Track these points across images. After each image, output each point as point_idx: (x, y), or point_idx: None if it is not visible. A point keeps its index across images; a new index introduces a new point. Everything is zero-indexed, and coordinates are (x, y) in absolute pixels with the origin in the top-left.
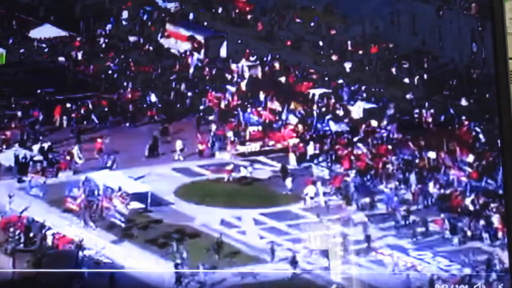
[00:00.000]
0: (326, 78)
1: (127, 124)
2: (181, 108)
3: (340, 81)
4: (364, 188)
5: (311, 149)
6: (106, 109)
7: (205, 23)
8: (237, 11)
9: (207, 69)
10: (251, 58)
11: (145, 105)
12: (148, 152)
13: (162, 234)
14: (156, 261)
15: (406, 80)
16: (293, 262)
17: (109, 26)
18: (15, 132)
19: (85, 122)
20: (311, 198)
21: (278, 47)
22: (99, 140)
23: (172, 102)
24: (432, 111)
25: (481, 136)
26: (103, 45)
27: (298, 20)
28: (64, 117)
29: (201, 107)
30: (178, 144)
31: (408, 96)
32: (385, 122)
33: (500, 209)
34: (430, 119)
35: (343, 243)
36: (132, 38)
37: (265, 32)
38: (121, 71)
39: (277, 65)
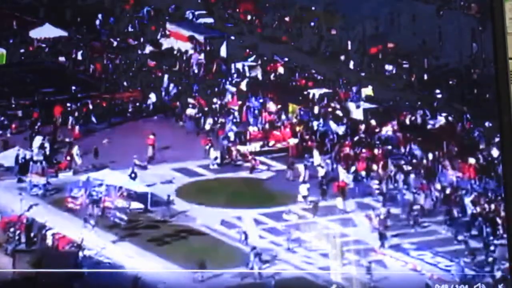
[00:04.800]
0: (326, 78)
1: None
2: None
3: (341, 81)
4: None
5: (317, 157)
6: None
7: (232, 37)
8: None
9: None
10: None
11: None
12: (220, 161)
13: (163, 234)
14: (155, 260)
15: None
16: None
17: (97, 21)
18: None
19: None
20: (304, 197)
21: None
22: (151, 137)
23: None
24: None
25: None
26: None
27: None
28: (62, 116)
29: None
30: (213, 154)
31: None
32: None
33: (499, 209)
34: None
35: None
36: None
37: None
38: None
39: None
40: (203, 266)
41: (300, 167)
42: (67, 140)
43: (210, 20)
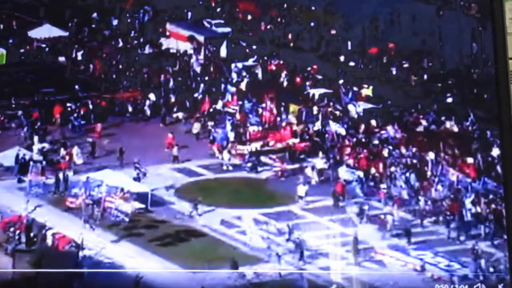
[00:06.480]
0: (326, 78)
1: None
2: None
3: (341, 81)
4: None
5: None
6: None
7: (254, 46)
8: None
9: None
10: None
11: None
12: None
13: (163, 234)
14: (156, 260)
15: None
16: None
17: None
18: (15, 132)
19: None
20: (301, 197)
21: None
22: (170, 136)
23: None
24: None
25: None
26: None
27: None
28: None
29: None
30: (226, 156)
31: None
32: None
33: (499, 209)
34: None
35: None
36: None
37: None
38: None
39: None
40: (235, 266)
41: (309, 171)
42: (89, 140)
43: (227, 29)
